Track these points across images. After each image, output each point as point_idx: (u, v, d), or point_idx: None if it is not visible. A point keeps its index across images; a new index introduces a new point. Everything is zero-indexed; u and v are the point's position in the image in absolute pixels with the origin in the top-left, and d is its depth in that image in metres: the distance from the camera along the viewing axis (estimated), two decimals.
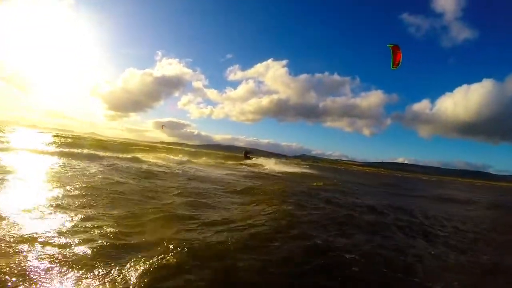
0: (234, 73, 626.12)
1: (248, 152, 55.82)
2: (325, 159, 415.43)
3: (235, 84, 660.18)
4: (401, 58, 13.40)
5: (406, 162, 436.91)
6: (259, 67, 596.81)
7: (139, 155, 25.53)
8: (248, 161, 42.19)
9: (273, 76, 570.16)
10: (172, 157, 29.33)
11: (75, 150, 20.63)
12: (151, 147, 60.27)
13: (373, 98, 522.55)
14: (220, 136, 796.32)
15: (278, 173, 28.23)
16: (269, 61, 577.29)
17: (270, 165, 38.91)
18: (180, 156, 32.62)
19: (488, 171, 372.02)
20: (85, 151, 21.39)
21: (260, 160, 44.75)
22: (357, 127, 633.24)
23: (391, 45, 13.56)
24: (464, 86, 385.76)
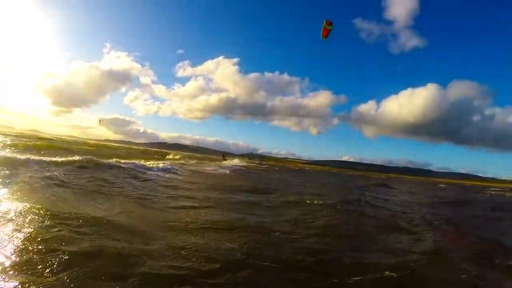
0: (184, 69, 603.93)
1: (225, 155, 69.93)
2: (272, 157, 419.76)
3: (184, 81, 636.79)
4: (329, 32, 14.76)
5: (351, 160, 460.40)
6: (209, 64, 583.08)
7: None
8: (225, 162, 51.42)
9: (223, 74, 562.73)
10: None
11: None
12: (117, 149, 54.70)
13: (321, 99, 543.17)
14: (166, 134, 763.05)
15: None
16: (220, 58, 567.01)
17: (243, 162, 60.18)
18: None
19: (429, 169, 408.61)
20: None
21: (235, 161, 58.87)
22: (304, 126, 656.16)
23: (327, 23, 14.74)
24: (409, 90, 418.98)
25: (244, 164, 58.24)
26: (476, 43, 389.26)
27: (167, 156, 46.57)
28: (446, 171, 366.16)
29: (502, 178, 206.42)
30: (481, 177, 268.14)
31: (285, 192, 16.92)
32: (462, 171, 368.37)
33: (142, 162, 22.29)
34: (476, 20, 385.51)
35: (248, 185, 19.41)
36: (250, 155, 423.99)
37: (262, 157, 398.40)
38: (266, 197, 13.67)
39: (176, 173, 20.77)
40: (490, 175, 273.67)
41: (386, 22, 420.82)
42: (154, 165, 21.34)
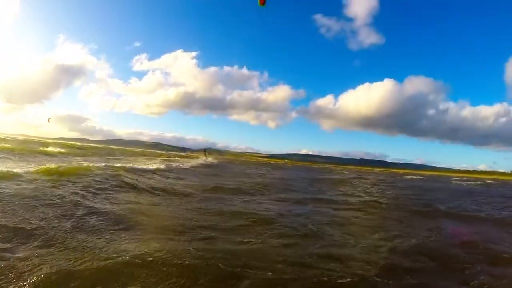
0: (141, 63, 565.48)
1: (207, 150, 77.82)
2: (230, 152, 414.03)
3: (141, 75, 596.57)
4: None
5: (310, 153, 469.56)
6: (167, 57, 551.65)
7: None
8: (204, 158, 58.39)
9: (182, 67, 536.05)
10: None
11: None
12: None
13: (280, 93, 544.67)
14: (123, 131, 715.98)
15: None
16: (179, 51, 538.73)
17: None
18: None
19: (385, 160, 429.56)
20: None
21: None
22: (263, 120, 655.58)
23: None
24: (366, 84, 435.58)
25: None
26: (432, 41, 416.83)
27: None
28: (402, 162, 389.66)
29: (455, 168, 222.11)
30: (435, 167, 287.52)
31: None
32: (417, 161, 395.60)
33: None
34: (431, 19, 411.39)
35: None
36: (208, 150, 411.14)
37: (220, 152, 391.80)
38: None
39: None
40: (443, 165, 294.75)
41: (346, 19, 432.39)
42: None
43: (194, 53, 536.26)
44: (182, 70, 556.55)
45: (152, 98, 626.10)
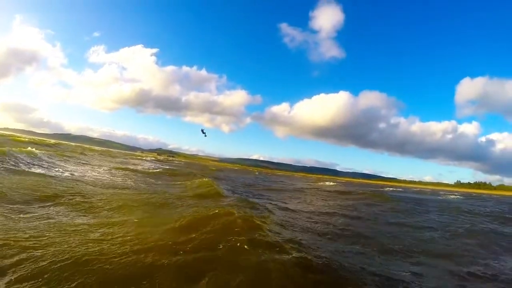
0: (98, 54, 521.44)
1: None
2: (182, 154, 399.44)
3: (96, 67, 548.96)
4: None
5: (261, 158, 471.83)
6: (126, 51, 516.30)
7: None
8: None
9: (140, 63, 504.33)
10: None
11: None
12: None
13: (237, 98, 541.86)
14: (72, 125, 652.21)
15: None
16: (139, 46, 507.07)
17: None
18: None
19: (335, 169, 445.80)
20: None
21: None
22: (217, 123, 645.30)
23: None
24: (322, 95, 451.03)
25: None
26: (389, 59, 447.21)
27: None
28: (351, 171, 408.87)
29: (402, 178, 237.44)
30: (383, 177, 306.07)
31: None
32: (366, 171, 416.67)
33: None
34: (391, 39, 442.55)
35: None
36: (159, 151, 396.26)
37: (172, 153, 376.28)
38: None
39: None
40: (391, 176, 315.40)
41: (311, 31, 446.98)
42: None
43: (154, 50, 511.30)
44: (139, 66, 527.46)
45: (105, 93, 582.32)
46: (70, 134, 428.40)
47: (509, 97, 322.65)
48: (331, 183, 37.76)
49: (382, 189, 35.95)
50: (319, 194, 20.49)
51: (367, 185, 63.87)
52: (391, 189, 39.04)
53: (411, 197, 24.58)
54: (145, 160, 54.38)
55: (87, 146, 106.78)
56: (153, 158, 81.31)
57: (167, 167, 33.56)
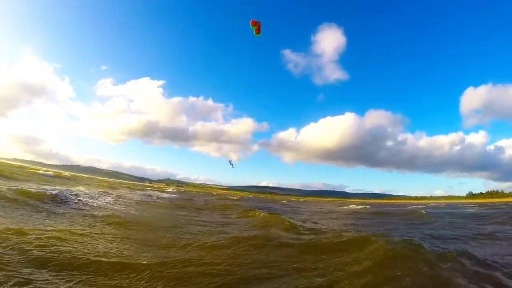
0: (105, 87, 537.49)
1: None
2: (190, 183, 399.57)
3: (104, 100, 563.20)
4: (259, 28, 18.02)
5: (270, 185, 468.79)
6: (133, 84, 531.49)
7: None
8: None
9: (147, 95, 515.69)
10: None
11: None
12: None
13: (244, 126, 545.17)
14: (80, 156, 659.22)
15: None
16: (146, 79, 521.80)
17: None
18: None
19: (344, 190, 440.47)
20: None
21: None
22: (225, 152, 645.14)
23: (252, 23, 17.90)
24: (328, 118, 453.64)
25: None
26: (392, 77, 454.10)
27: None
28: (361, 192, 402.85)
29: (413, 195, 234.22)
30: (393, 195, 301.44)
31: None
32: (376, 191, 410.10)
33: None
34: (393, 57, 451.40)
35: None
36: (167, 181, 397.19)
37: (180, 183, 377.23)
38: None
39: None
40: (401, 193, 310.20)
41: (313, 55, 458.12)
42: None
43: (160, 82, 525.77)
44: (146, 98, 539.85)
45: (113, 125, 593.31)
46: (79, 165, 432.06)
47: None
48: (357, 206, 38.45)
49: (406, 208, 36.35)
50: (358, 214, 21.34)
51: (389, 205, 64.02)
52: (413, 207, 39.41)
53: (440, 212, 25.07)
54: (167, 192, 55.85)
55: (100, 178, 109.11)
56: (175, 189, 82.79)
57: (200, 200, 34.74)
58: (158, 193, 42.62)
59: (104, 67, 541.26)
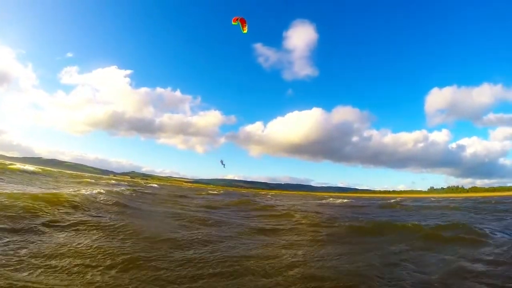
0: (70, 75, 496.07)
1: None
2: (155, 176, 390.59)
3: (69, 89, 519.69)
4: (243, 24, 18.20)
5: (236, 178, 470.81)
6: (100, 72, 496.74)
7: None
8: None
9: (113, 85, 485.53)
10: None
11: None
12: None
13: (211, 118, 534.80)
14: (43, 148, 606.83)
15: None
16: (113, 68, 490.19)
17: None
18: None
19: (310, 184, 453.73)
20: None
21: None
22: (191, 144, 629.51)
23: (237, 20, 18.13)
24: (296, 112, 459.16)
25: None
26: (361, 75, 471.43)
27: None
28: (326, 185, 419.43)
29: (377, 189, 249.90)
30: (357, 189, 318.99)
31: None
32: (340, 185, 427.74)
33: None
34: (362, 56, 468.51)
35: None
36: (132, 174, 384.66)
37: (145, 176, 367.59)
38: None
39: None
40: (365, 187, 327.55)
41: (285, 51, 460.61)
42: None
43: (128, 71, 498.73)
44: (113, 88, 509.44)
45: (77, 115, 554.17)
46: (40, 157, 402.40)
47: (476, 103, 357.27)
48: (339, 200, 42.58)
49: (387, 201, 41.21)
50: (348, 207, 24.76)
51: (367, 198, 70.00)
52: (393, 200, 44.52)
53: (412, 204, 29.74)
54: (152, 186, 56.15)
55: (57, 170, 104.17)
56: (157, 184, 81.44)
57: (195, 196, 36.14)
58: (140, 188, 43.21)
59: (70, 54, 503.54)
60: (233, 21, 18.44)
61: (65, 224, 8.07)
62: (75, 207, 10.62)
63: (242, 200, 27.80)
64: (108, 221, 9.06)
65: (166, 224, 10.40)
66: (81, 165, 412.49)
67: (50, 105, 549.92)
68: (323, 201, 40.01)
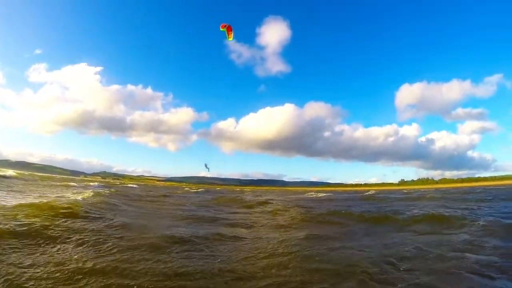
0: (39, 73, 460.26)
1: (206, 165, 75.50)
2: (127, 176, 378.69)
3: (37, 87, 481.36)
4: (229, 32, 18.70)
5: (208, 175, 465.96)
6: (69, 69, 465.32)
7: None
8: None
9: (83, 83, 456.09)
10: None
11: None
12: None
13: (183, 115, 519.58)
14: (10, 150, 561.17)
15: None
16: (83, 65, 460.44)
17: None
18: None
19: (283, 179, 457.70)
20: None
21: None
22: (163, 142, 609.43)
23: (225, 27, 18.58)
24: (268, 108, 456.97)
25: None
26: (333, 72, 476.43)
27: None
28: (299, 180, 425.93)
29: (349, 182, 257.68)
30: (330, 183, 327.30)
31: None
32: (313, 179, 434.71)
33: None
34: (334, 52, 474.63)
35: None
36: (104, 174, 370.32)
37: (117, 176, 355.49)
38: None
39: None
40: (338, 181, 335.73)
41: (257, 47, 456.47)
42: None
43: (98, 69, 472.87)
44: (83, 85, 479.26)
45: (46, 114, 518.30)
46: (8, 160, 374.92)
47: (445, 99, 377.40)
48: (320, 194, 44.20)
49: (364, 194, 43.43)
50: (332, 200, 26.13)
51: (338, 192, 72.64)
52: (369, 193, 46.87)
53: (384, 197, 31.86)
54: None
55: (27, 172, 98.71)
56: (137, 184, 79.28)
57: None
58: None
59: (39, 50, 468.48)
60: (221, 28, 19.04)
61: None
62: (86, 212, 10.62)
63: (232, 197, 28.30)
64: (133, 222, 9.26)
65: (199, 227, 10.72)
66: (50, 166, 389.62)
67: (17, 104, 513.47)
68: (306, 196, 41.30)
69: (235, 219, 13.04)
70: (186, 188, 72.03)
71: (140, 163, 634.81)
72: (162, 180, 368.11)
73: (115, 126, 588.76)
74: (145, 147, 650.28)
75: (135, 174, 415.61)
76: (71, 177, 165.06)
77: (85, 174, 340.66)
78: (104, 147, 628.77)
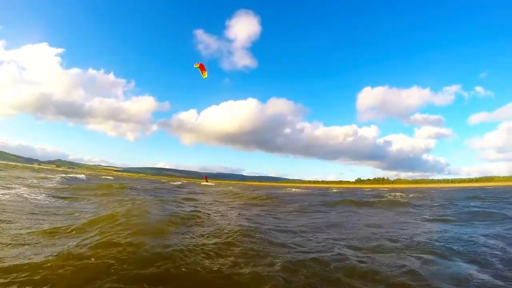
0: None
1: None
2: (83, 165, 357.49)
3: None
4: (202, 69, 18.91)
5: (166, 167, 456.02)
6: (28, 49, 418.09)
7: None
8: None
9: (42, 64, 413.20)
10: None
11: None
12: None
13: (144, 104, 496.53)
14: None
15: None
16: (43, 44, 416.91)
17: None
18: None
19: (242, 173, 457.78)
20: None
21: None
22: (122, 131, 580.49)
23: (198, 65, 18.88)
24: (230, 102, 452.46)
25: None
26: (298, 70, 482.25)
27: None
28: (257, 175, 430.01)
29: (306, 179, 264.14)
30: (288, 179, 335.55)
31: None
32: (272, 174, 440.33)
33: None
34: (300, 52, 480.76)
35: None
36: (58, 162, 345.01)
37: (72, 165, 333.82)
38: None
39: None
40: (296, 177, 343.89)
41: (226, 40, 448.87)
42: None
43: (59, 50, 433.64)
44: (42, 67, 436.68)
45: (1, 96, 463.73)
46: None
47: (405, 104, 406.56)
48: (293, 189, 47.25)
49: (327, 190, 47.26)
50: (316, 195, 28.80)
51: (312, 188, 76.71)
52: (335, 190, 50.93)
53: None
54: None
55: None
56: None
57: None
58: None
59: None
60: (195, 65, 19.10)
61: None
62: None
63: (236, 192, 29.95)
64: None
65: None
66: (3, 152, 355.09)
67: None
68: (283, 191, 44.11)
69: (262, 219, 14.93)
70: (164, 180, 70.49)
71: (98, 152, 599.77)
72: (119, 171, 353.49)
73: (73, 112, 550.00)
74: (104, 136, 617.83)
75: (91, 163, 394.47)
76: (23, 164, 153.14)
77: (39, 162, 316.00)
78: (60, 133, 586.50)
